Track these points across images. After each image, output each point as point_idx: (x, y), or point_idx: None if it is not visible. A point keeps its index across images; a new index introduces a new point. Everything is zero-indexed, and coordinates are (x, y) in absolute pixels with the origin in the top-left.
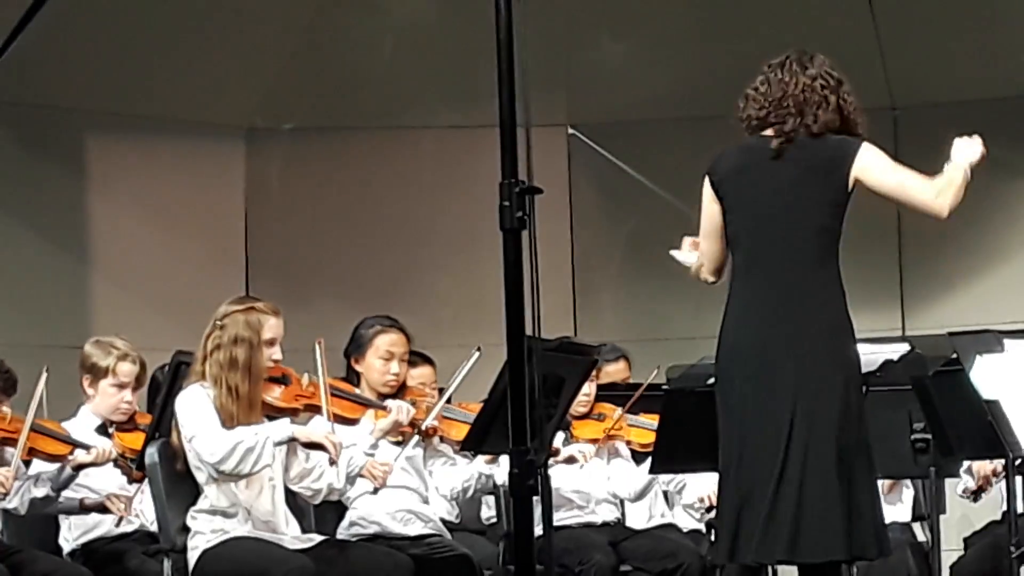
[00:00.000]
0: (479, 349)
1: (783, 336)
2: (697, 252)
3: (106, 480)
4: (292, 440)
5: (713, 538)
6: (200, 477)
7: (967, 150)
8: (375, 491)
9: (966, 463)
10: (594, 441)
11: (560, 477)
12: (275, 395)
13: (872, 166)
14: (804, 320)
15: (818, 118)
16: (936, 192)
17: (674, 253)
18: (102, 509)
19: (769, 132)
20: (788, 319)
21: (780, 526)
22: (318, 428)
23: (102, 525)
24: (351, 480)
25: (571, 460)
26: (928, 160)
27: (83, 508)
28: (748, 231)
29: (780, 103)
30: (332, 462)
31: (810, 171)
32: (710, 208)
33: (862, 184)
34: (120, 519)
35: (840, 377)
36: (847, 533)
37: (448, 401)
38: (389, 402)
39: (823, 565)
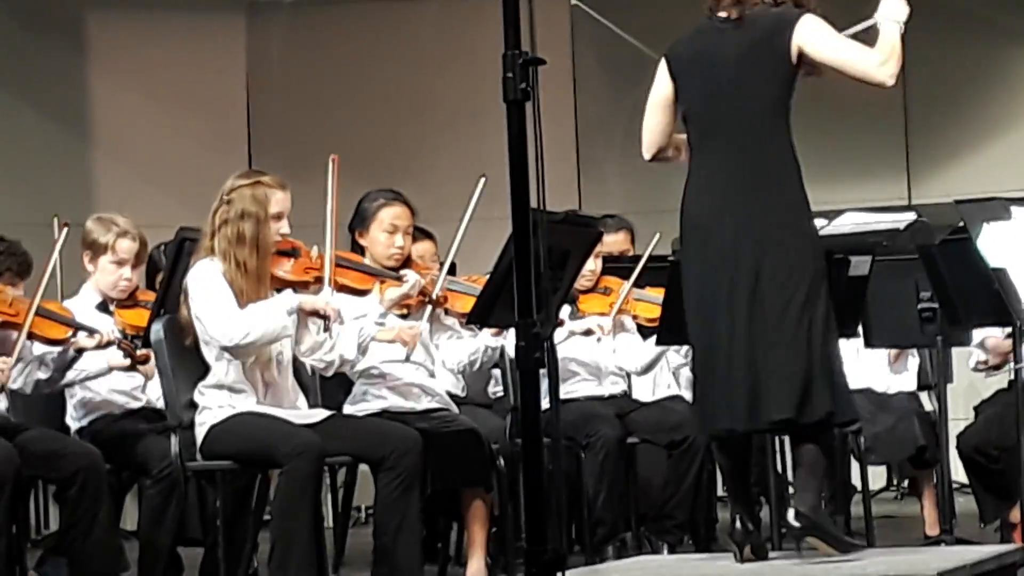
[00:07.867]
0: (484, 175)
1: (742, 211)
2: None
3: (108, 361)
4: (299, 309)
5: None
6: (208, 353)
7: (894, 6)
8: (406, 358)
9: (978, 336)
10: (603, 315)
11: (571, 349)
12: (285, 268)
13: (813, 37)
14: (762, 195)
15: None
16: (880, 61)
17: None
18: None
19: (721, 13)
20: (746, 193)
21: (767, 388)
22: (320, 296)
23: (108, 404)
24: (362, 350)
25: (588, 333)
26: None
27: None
28: (700, 109)
29: None
30: (326, 328)
31: (755, 44)
32: (662, 83)
33: (806, 56)
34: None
35: (800, 249)
36: (827, 394)
37: (452, 272)
38: (405, 272)
39: (812, 427)
